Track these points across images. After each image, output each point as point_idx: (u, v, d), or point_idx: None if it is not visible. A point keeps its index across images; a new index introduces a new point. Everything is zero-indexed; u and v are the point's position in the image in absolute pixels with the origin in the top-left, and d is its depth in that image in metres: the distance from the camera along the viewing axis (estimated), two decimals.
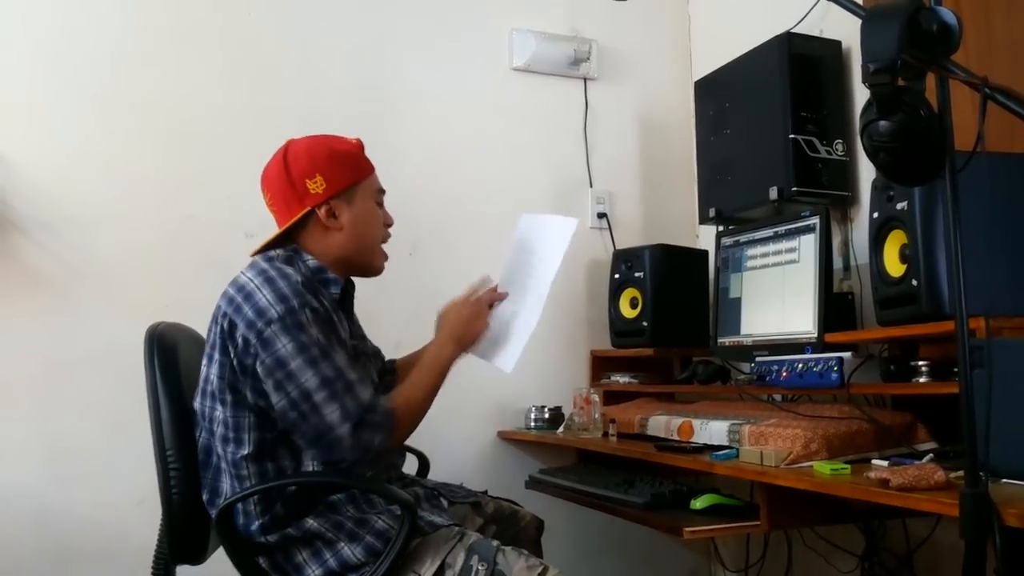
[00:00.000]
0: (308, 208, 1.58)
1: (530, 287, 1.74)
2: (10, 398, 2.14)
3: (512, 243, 1.84)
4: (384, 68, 2.59)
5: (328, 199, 1.58)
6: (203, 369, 1.54)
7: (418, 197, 2.55)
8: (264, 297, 1.46)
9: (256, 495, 1.49)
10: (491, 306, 1.74)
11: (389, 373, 1.89)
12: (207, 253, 2.29)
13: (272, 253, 1.57)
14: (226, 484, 1.52)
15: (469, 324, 1.68)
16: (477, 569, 1.43)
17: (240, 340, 1.46)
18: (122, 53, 2.32)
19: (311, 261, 1.58)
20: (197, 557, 1.59)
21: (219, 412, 1.51)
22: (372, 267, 1.69)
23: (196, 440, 1.56)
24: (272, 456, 1.51)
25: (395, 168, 2.54)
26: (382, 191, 1.70)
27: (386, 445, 1.51)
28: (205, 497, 1.54)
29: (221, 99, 2.40)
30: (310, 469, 1.52)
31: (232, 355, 1.47)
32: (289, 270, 1.51)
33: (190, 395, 1.58)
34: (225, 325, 1.48)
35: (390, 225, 1.71)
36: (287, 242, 1.61)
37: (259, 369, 1.45)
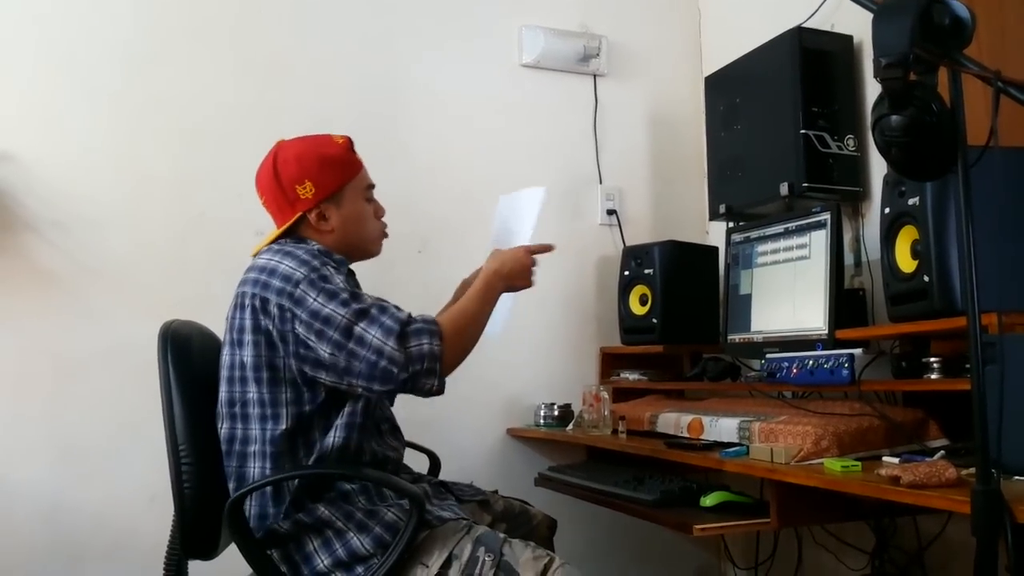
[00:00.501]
0: (299, 213, 1.64)
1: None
2: (22, 396, 2.15)
3: (493, 225, 1.91)
4: (394, 65, 2.59)
5: (318, 203, 1.63)
6: (227, 358, 1.57)
7: (427, 194, 2.55)
8: (287, 266, 1.53)
9: (275, 490, 1.51)
10: None
11: None
12: (218, 251, 2.30)
13: (283, 240, 1.63)
14: (254, 469, 1.53)
15: (523, 272, 1.70)
16: (484, 560, 1.44)
17: (275, 310, 1.50)
18: (134, 52, 2.32)
19: (316, 246, 1.62)
20: (209, 552, 1.59)
21: (253, 393, 1.53)
22: (368, 254, 1.76)
23: (217, 433, 1.57)
24: (307, 430, 1.53)
25: (404, 165, 2.57)
26: (371, 186, 1.73)
27: (438, 351, 1.49)
28: (232, 486, 1.55)
29: (232, 98, 2.41)
30: (329, 437, 1.53)
31: (270, 328, 1.51)
32: (303, 245, 1.59)
33: (202, 391, 1.59)
34: (256, 304, 1.52)
35: (382, 215, 1.75)
36: (287, 238, 1.66)
37: (299, 329, 1.48)
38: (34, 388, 2.17)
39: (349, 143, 1.70)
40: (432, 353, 1.49)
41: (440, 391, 1.54)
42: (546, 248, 1.76)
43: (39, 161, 2.20)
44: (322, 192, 1.63)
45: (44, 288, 2.18)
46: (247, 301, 1.54)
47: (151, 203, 2.30)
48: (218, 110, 2.39)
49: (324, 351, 1.47)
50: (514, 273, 1.69)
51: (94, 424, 2.19)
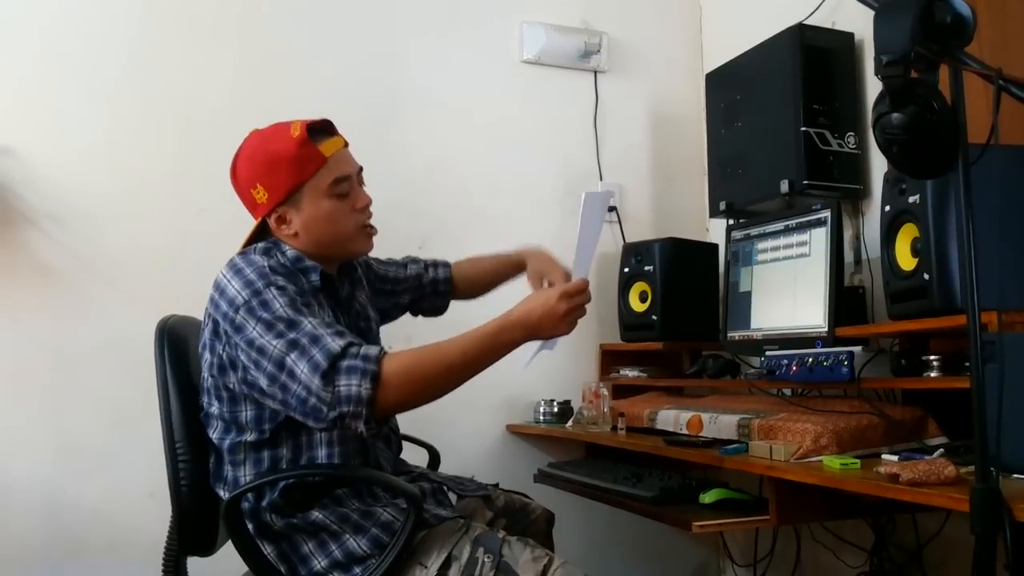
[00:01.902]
0: (260, 218, 1.57)
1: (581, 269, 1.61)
2: (20, 391, 2.15)
3: (579, 226, 1.62)
4: (394, 61, 2.58)
5: (273, 207, 1.53)
6: (205, 365, 1.55)
7: (427, 190, 2.55)
8: (232, 287, 1.45)
9: (261, 485, 1.49)
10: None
11: (442, 295, 1.96)
12: (216, 248, 2.26)
13: (251, 247, 1.57)
14: (239, 474, 1.52)
15: (555, 322, 1.46)
16: (483, 561, 1.43)
17: (223, 334, 1.46)
18: (134, 48, 2.32)
19: (289, 251, 1.55)
20: (207, 549, 1.59)
21: (215, 408, 1.52)
22: (351, 253, 1.64)
23: (208, 433, 1.57)
24: (272, 446, 1.50)
25: (404, 161, 2.56)
26: (343, 178, 1.54)
27: (366, 395, 1.34)
28: (221, 489, 1.54)
29: (231, 93, 2.40)
30: (317, 458, 1.51)
31: (221, 351, 1.48)
32: (258, 259, 1.49)
33: (199, 388, 1.58)
34: (210, 324, 1.49)
35: (366, 206, 1.59)
36: (267, 236, 1.60)
37: (240, 356, 1.44)
38: (32, 383, 2.17)
39: (304, 135, 1.50)
40: (359, 397, 1.34)
41: (374, 431, 1.48)
42: (581, 289, 1.51)
43: (39, 156, 2.20)
44: (275, 196, 1.51)
45: (43, 283, 2.18)
46: (206, 319, 1.51)
47: (150, 199, 2.30)
48: (218, 105, 2.38)
49: (262, 381, 1.42)
50: (543, 325, 1.46)
51: (93, 420, 2.20)
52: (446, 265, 1.97)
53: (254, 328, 1.40)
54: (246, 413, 1.50)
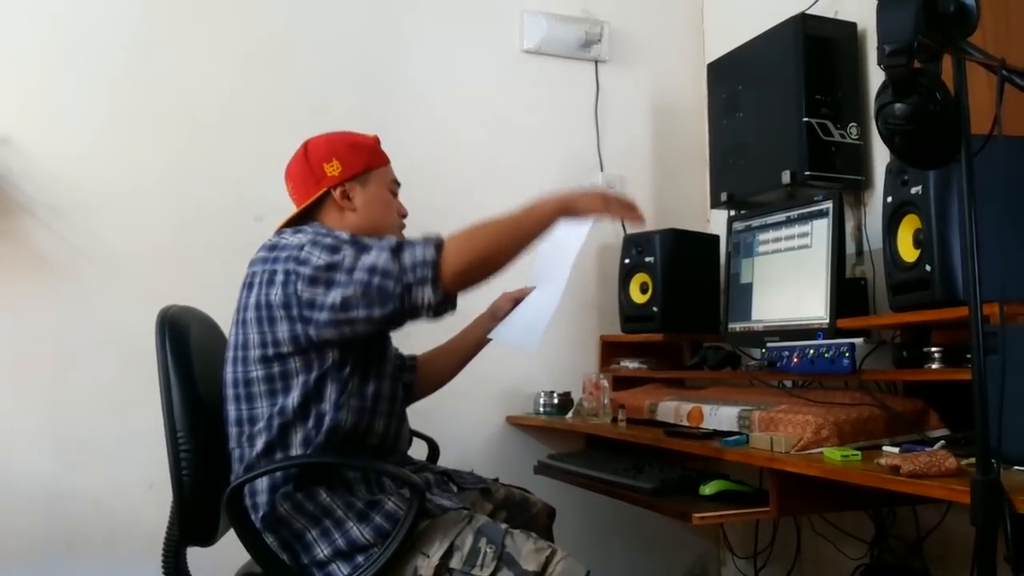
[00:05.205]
0: (324, 189, 1.65)
1: (553, 276, 1.78)
2: (20, 382, 2.15)
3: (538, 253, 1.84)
4: (394, 51, 2.57)
5: (343, 181, 1.65)
6: (232, 339, 1.57)
7: (428, 182, 2.53)
8: (295, 239, 1.54)
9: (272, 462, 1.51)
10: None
11: (409, 370, 1.93)
12: (216, 239, 2.30)
13: (296, 227, 1.63)
14: (259, 448, 1.52)
15: (590, 197, 1.56)
16: (485, 552, 1.44)
17: (280, 277, 1.50)
18: (133, 40, 2.31)
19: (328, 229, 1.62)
20: (207, 539, 1.59)
21: (258, 371, 1.52)
22: None
23: (216, 419, 1.57)
24: (317, 400, 1.52)
25: (404, 153, 2.52)
26: (397, 183, 1.75)
27: (431, 258, 1.44)
28: (238, 470, 1.54)
29: (231, 84, 2.39)
30: (341, 412, 1.53)
31: (272, 301, 1.50)
32: (313, 227, 1.60)
33: (201, 377, 1.59)
34: (264, 278, 1.52)
35: (404, 216, 1.76)
36: (307, 221, 1.66)
37: (301, 287, 1.47)
38: (32, 374, 2.17)
39: (378, 139, 1.74)
40: (424, 259, 1.44)
41: (439, 307, 1.46)
42: (632, 211, 1.61)
43: (38, 146, 2.19)
44: (349, 170, 1.65)
45: (42, 274, 2.18)
46: (254, 280, 1.54)
47: (150, 190, 2.29)
48: (218, 97, 2.38)
49: (327, 299, 1.45)
50: (578, 198, 1.53)
51: (92, 410, 2.20)
52: (412, 369, 1.95)
53: (320, 254, 1.48)
54: (294, 364, 1.51)
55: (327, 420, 1.52)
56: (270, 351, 1.52)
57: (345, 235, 1.52)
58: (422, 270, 1.43)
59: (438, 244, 1.46)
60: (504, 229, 1.51)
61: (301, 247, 1.50)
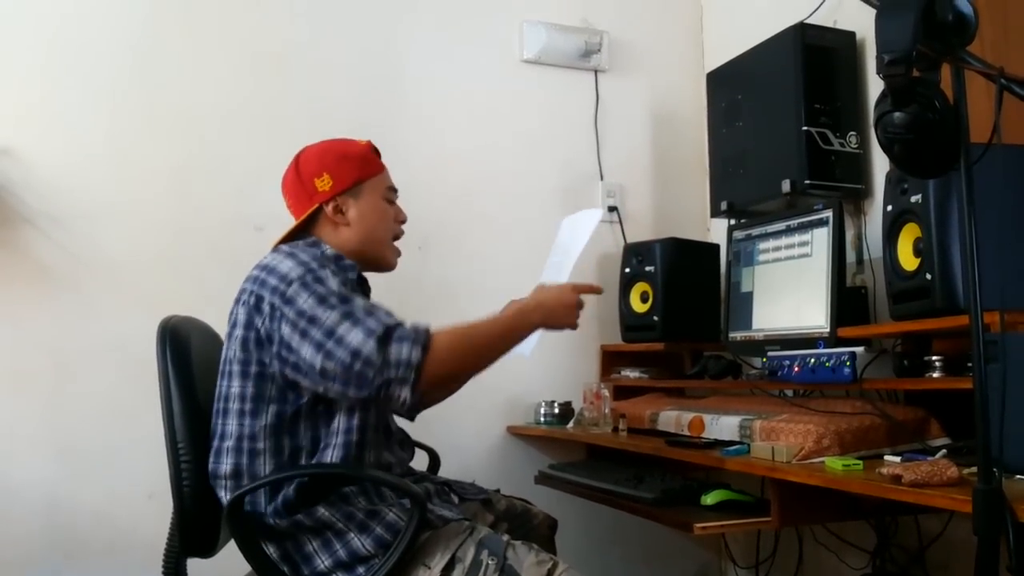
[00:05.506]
0: (317, 204, 1.64)
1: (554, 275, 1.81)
2: (20, 391, 2.15)
3: (553, 247, 1.92)
4: (394, 60, 2.58)
5: (335, 195, 1.64)
6: (223, 353, 1.57)
7: (427, 190, 2.54)
8: (286, 264, 1.52)
9: (278, 481, 1.49)
10: None
11: None
12: (216, 247, 2.30)
13: (294, 243, 1.62)
14: (226, 465, 1.51)
15: (566, 311, 1.65)
16: (487, 564, 1.43)
17: (267, 308, 1.49)
18: (133, 48, 2.32)
19: (328, 250, 1.62)
20: (208, 550, 1.59)
21: (236, 388, 1.52)
22: (383, 261, 1.72)
23: (211, 429, 1.56)
24: (291, 432, 1.51)
25: (404, 160, 2.53)
26: (393, 189, 1.73)
27: (416, 361, 1.42)
28: (222, 489, 1.53)
29: (231, 93, 2.40)
30: (328, 451, 1.51)
31: (259, 326, 1.50)
32: (308, 248, 1.59)
33: (202, 388, 1.59)
34: (252, 301, 1.51)
35: (403, 221, 1.74)
36: (305, 236, 1.66)
37: (284, 330, 1.46)
38: (32, 383, 2.16)
39: (371, 145, 1.72)
40: (408, 360, 1.42)
41: (411, 408, 1.50)
42: (594, 289, 1.74)
43: (37, 156, 2.20)
44: (340, 184, 1.64)
45: (42, 283, 2.18)
46: (245, 297, 1.54)
47: (150, 200, 2.30)
48: (217, 107, 2.38)
49: (305, 353, 1.44)
50: (557, 312, 1.64)
51: (92, 420, 2.19)
52: None
53: (307, 300, 1.47)
54: (270, 391, 1.51)
55: (319, 456, 1.51)
56: (252, 369, 1.51)
57: (334, 284, 1.48)
58: (405, 371, 1.42)
59: (425, 345, 1.44)
60: (489, 343, 1.57)
61: (289, 282, 1.48)
